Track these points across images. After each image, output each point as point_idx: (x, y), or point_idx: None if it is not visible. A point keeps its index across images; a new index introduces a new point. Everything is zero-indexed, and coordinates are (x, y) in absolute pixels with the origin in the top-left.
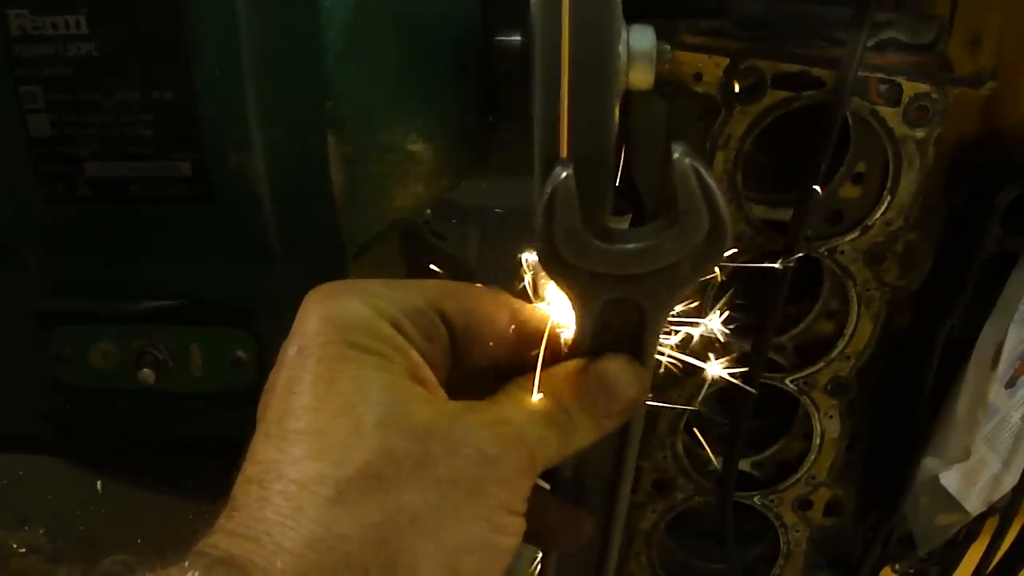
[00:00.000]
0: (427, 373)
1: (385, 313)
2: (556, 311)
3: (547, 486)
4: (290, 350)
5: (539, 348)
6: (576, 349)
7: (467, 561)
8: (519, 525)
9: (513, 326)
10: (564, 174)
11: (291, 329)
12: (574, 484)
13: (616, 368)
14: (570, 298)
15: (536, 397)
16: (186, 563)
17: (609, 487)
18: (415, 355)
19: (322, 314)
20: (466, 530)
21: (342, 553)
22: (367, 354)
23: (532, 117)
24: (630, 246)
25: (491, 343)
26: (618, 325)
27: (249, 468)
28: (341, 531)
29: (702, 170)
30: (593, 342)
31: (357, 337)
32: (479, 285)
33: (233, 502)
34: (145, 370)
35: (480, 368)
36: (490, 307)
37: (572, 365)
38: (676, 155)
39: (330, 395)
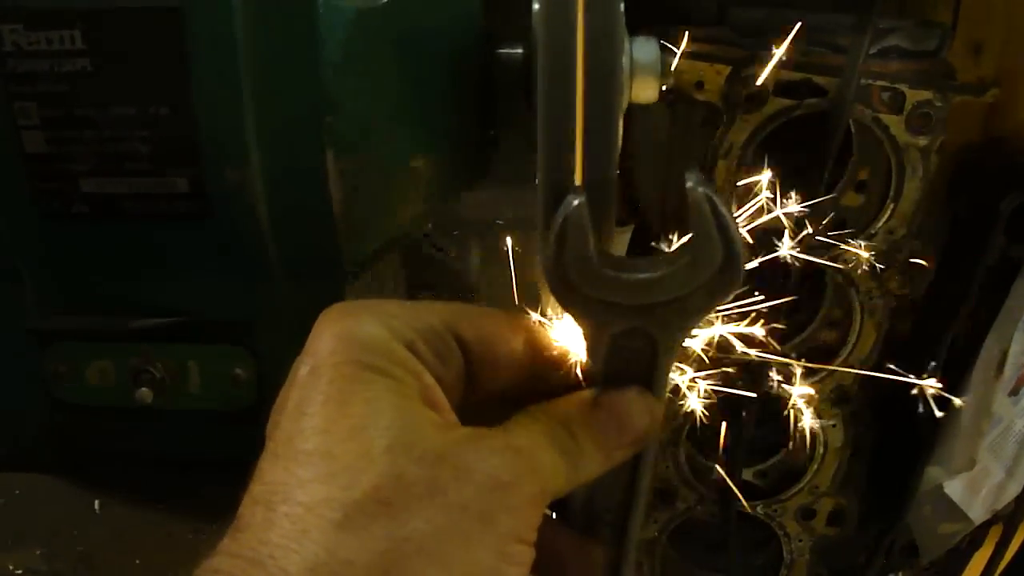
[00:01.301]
0: (440, 397)
1: (400, 334)
2: (569, 338)
3: (553, 515)
4: (302, 369)
5: (553, 375)
6: (588, 378)
7: None
8: (528, 555)
9: (528, 352)
10: (576, 202)
11: (304, 347)
12: (585, 514)
13: (628, 400)
14: (582, 327)
15: (547, 426)
16: None
17: (621, 518)
18: (429, 378)
19: (336, 333)
20: (474, 558)
21: None
22: (380, 376)
23: (534, 132)
24: (643, 276)
25: (506, 368)
26: (630, 355)
27: (256, 488)
28: (346, 556)
29: (716, 200)
30: (605, 371)
31: (371, 358)
32: (496, 309)
33: (238, 522)
34: (143, 389)
35: (494, 393)
36: (506, 332)
37: (584, 395)
38: (690, 184)
39: (341, 417)
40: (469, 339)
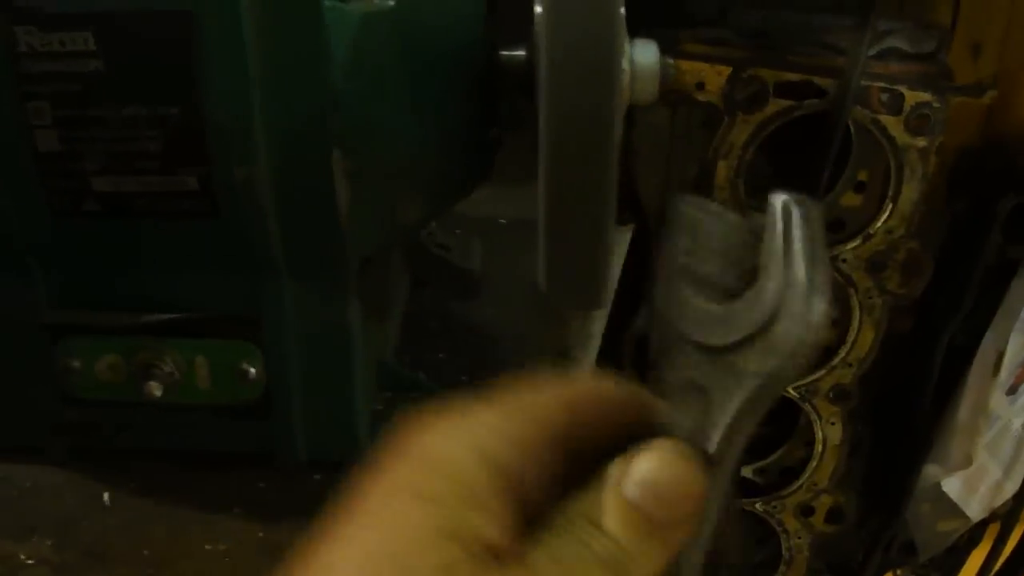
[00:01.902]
0: (503, 528)
1: (490, 456)
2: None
3: None
4: (364, 473)
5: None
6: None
7: None
8: None
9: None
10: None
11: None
12: None
13: (659, 466)
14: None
15: (576, 538)
16: None
17: None
18: (496, 503)
19: (405, 442)
20: None
21: None
22: (424, 506)
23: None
24: (706, 307)
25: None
26: (683, 414)
27: None
28: None
29: (803, 227)
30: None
31: (426, 481)
32: (609, 384)
33: None
34: (152, 383)
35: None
36: (615, 413)
37: (601, 479)
38: (781, 201)
39: (353, 552)
40: (575, 437)
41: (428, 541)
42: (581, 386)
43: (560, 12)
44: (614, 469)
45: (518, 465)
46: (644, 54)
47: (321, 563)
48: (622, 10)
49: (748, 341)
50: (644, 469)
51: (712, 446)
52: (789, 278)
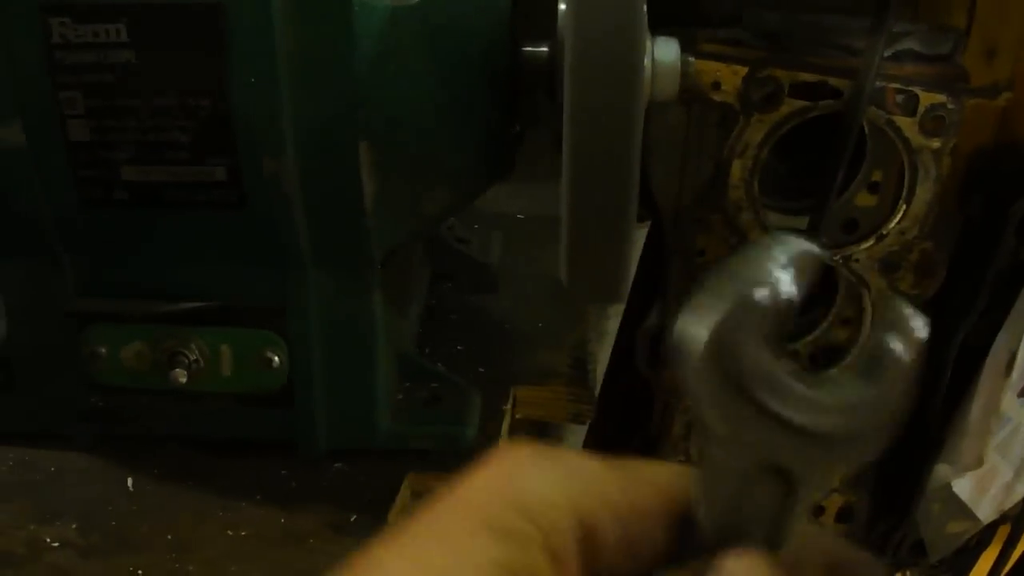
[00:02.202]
0: None
1: (583, 510)
2: None
3: None
4: (447, 488)
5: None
6: (700, 532)
7: None
8: None
9: None
10: (812, 250)
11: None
12: None
13: (747, 569)
14: (713, 450)
15: None
16: None
17: None
18: (574, 565)
19: (498, 469)
20: None
21: None
22: (495, 541)
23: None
24: (835, 397)
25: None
26: (752, 508)
27: None
28: None
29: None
30: (721, 523)
31: (507, 515)
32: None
33: None
34: (177, 370)
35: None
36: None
37: (689, 570)
38: (911, 311)
39: (405, 566)
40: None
41: (483, 571)
42: (678, 479)
43: (584, 8)
44: (698, 566)
45: (605, 529)
46: (665, 51)
47: (374, 563)
48: (644, 8)
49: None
50: (735, 570)
51: (789, 538)
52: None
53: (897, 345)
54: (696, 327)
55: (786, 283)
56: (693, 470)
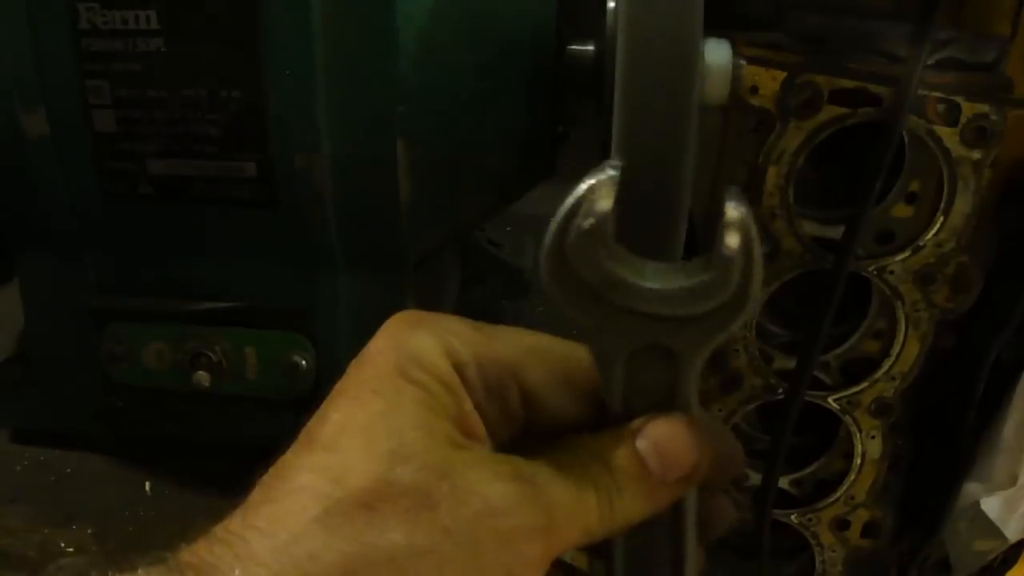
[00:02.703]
0: (475, 424)
1: (454, 354)
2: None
3: None
4: (352, 363)
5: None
6: (610, 407)
7: None
8: None
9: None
10: (608, 173)
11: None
12: None
13: (670, 431)
14: (592, 341)
15: (577, 458)
16: (140, 570)
17: None
18: (468, 404)
19: (390, 336)
20: None
21: (305, 573)
22: (413, 385)
23: (601, 130)
24: (677, 286)
25: (571, 416)
26: (648, 380)
27: (269, 470)
28: (312, 550)
29: (752, 229)
30: (625, 400)
31: (410, 366)
32: (578, 349)
33: (246, 500)
34: (200, 372)
35: (554, 435)
36: (581, 379)
37: (623, 428)
38: (731, 203)
39: (358, 414)
40: (533, 385)
41: (410, 410)
42: (557, 348)
43: (639, 7)
44: (634, 424)
45: (474, 372)
46: (717, 54)
47: (312, 421)
48: (701, 8)
49: (722, 307)
50: (659, 432)
51: (688, 404)
52: (751, 256)
53: (724, 232)
54: (540, 252)
55: (598, 200)
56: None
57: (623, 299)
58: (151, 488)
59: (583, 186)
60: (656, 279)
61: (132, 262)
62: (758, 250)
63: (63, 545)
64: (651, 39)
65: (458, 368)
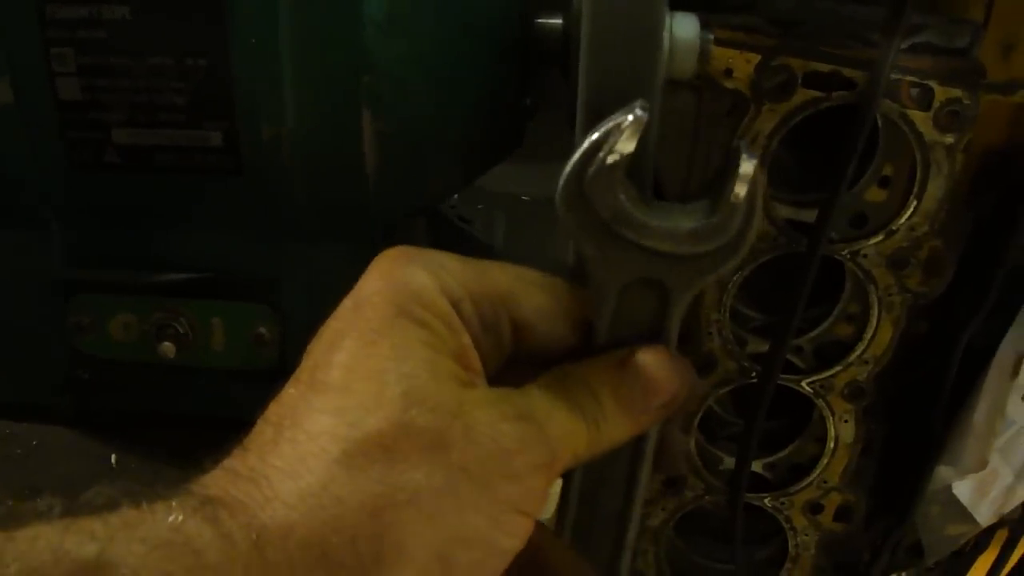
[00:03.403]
0: (473, 358)
1: (449, 290)
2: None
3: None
4: (347, 303)
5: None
6: (597, 337)
7: (460, 553)
8: (524, 527)
9: (585, 331)
10: (639, 112)
11: (357, 283)
12: (580, 522)
13: (655, 360)
14: (593, 271)
15: (568, 387)
16: (173, 501)
17: (618, 523)
18: (466, 338)
19: (385, 274)
20: (466, 521)
21: (333, 514)
22: (415, 324)
23: (569, 103)
24: (679, 223)
25: (557, 348)
26: (637, 311)
27: (271, 409)
28: (338, 492)
29: (761, 181)
30: (611, 327)
31: (411, 306)
32: (563, 284)
33: (246, 441)
34: (165, 343)
35: (538, 363)
36: (567, 312)
37: (611, 356)
38: (745, 155)
39: (367, 356)
40: (524, 315)
41: (416, 349)
42: (542, 280)
43: None
44: (619, 353)
45: (469, 306)
46: (684, 28)
47: (312, 362)
48: None
49: (719, 249)
50: (643, 361)
51: (671, 338)
52: (754, 206)
53: (734, 182)
54: (560, 179)
55: (622, 140)
56: (585, 290)
57: (631, 233)
58: (117, 461)
59: (611, 123)
60: (663, 218)
61: (98, 232)
62: (760, 202)
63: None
64: (615, 11)
65: (454, 303)
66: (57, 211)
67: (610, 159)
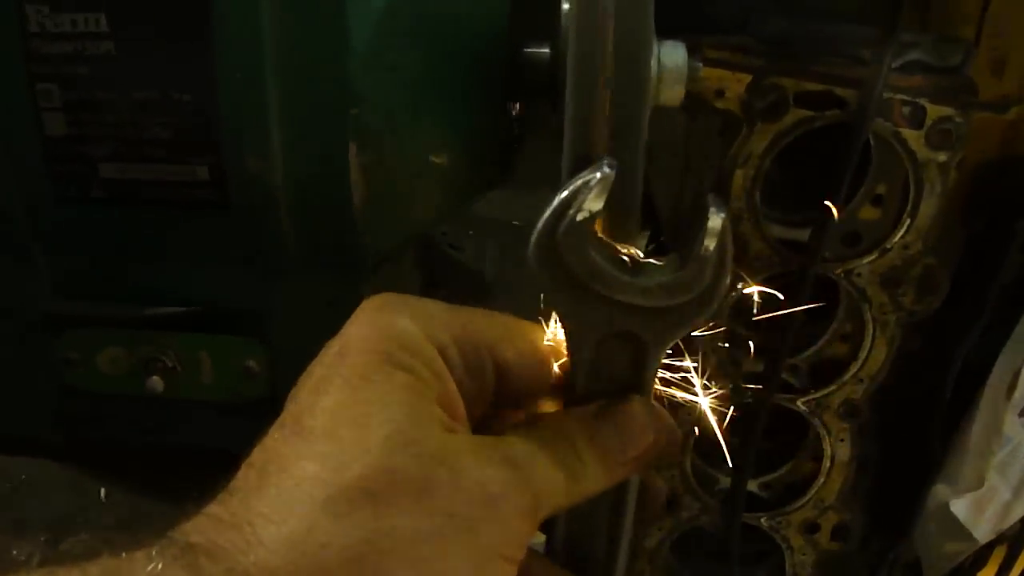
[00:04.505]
0: (458, 404)
1: (434, 336)
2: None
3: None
4: (332, 348)
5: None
6: (575, 388)
7: None
8: (508, 573)
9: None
10: (605, 170)
11: (341, 329)
12: (568, 552)
13: (632, 412)
14: (566, 324)
15: (547, 437)
16: (153, 550)
17: (606, 554)
18: (451, 384)
19: (371, 321)
20: (450, 567)
21: (316, 560)
22: (401, 370)
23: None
24: (649, 277)
25: (538, 394)
26: (614, 363)
27: (256, 454)
28: (323, 538)
29: (729, 234)
30: (590, 381)
31: (397, 352)
32: (542, 333)
33: (230, 484)
34: (154, 378)
35: (519, 411)
36: (548, 360)
37: (588, 407)
38: (713, 209)
39: (352, 401)
40: (507, 361)
41: (400, 395)
42: (524, 328)
43: (589, 9)
44: (596, 405)
45: (454, 352)
46: (672, 55)
47: (297, 407)
48: (652, 10)
49: (691, 302)
50: (619, 413)
51: (648, 389)
52: (724, 260)
53: (703, 236)
54: (532, 235)
55: (590, 199)
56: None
57: (603, 288)
58: (106, 495)
59: (579, 180)
60: (635, 273)
61: (85, 266)
62: (730, 256)
63: (15, 553)
64: (602, 42)
65: (439, 349)
66: (44, 245)
67: (579, 216)
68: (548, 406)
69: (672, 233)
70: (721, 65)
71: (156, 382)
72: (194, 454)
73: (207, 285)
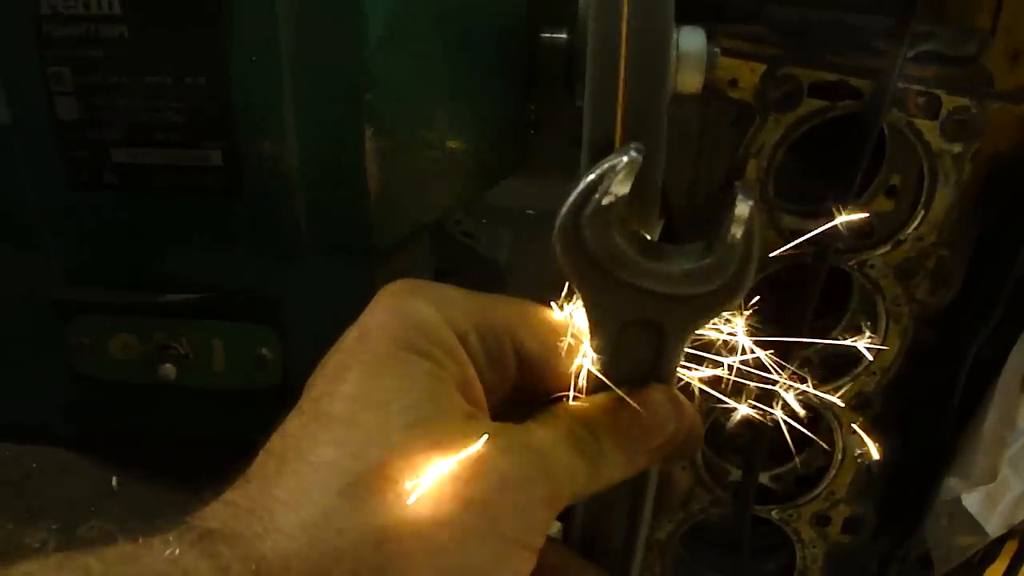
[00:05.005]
0: (477, 391)
1: (454, 323)
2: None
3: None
4: (351, 334)
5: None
6: (595, 378)
7: None
8: (527, 562)
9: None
10: (632, 155)
11: (360, 315)
12: (585, 539)
13: (653, 400)
14: (590, 312)
15: (568, 426)
16: (170, 535)
17: (624, 542)
18: (471, 371)
19: (391, 307)
20: (470, 554)
21: (334, 546)
22: (421, 357)
23: (573, 119)
24: (674, 265)
25: (558, 381)
26: (635, 352)
27: (274, 440)
28: (340, 525)
29: (757, 221)
30: (612, 368)
31: (417, 338)
32: (562, 321)
33: (248, 471)
34: (167, 365)
35: (539, 397)
36: (569, 345)
37: (609, 395)
38: (741, 196)
39: (371, 388)
40: (528, 349)
41: (422, 381)
42: (544, 315)
43: None
44: (616, 395)
45: (474, 339)
46: (691, 41)
47: (316, 393)
48: None
49: (716, 291)
50: (641, 401)
51: (669, 378)
52: (751, 249)
53: (731, 224)
54: (557, 220)
55: (616, 182)
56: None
57: (627, 274)
58: (117, 483)
59: (606, 164)
60: (659, 259)
61: (98, 252)
62: (757, 244)
63: (27, 541)
64: (622, 28)
65: (459, 336)
66: (56, 231)
67: (605, 200)
68: (568, 394)
69: (684, 223)
70: (735, 54)
71: (168, 370)
72: (206, 442)
73: (220, 271)
